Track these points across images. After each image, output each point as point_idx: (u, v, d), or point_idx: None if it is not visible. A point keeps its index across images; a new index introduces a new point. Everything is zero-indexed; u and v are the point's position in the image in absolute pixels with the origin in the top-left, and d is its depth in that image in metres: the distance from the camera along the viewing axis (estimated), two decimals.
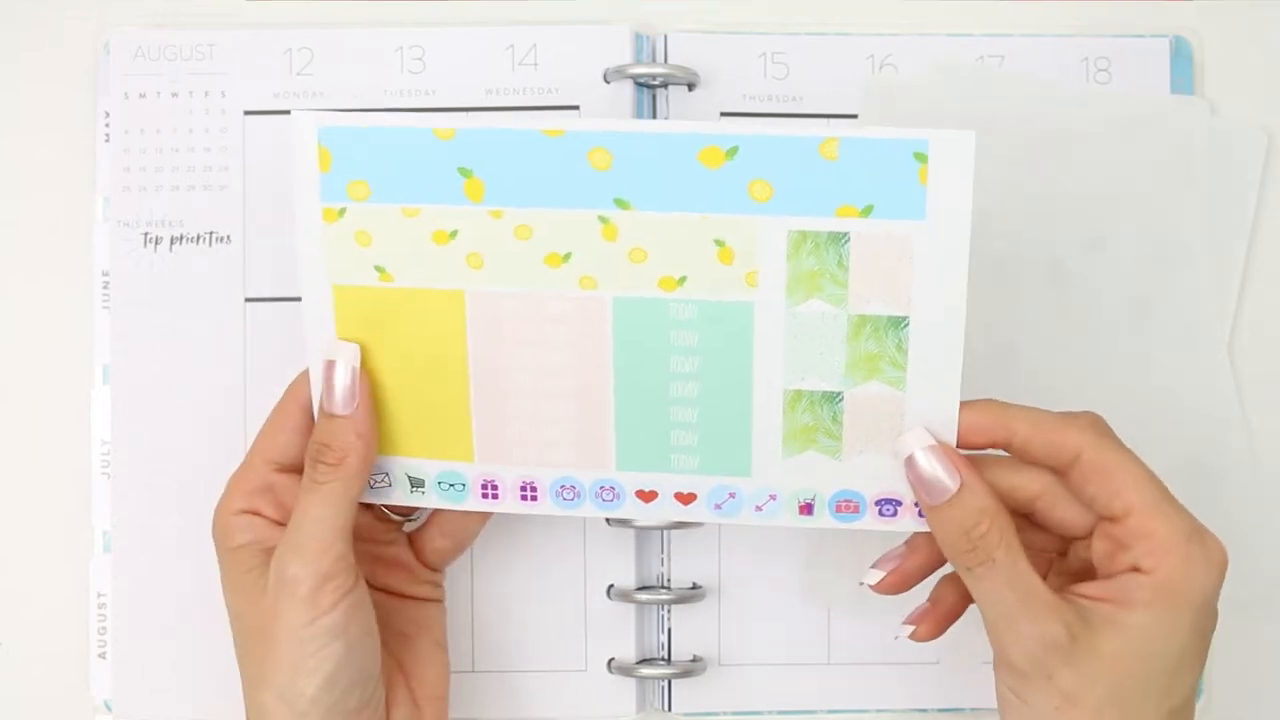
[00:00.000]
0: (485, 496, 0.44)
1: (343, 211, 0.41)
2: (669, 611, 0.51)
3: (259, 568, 0.42)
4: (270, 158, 0.51)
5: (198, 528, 0.47)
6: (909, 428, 0.41)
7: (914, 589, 0.44)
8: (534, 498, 0.44)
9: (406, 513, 0.47)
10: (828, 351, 0.41)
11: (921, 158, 0.39)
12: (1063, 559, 0.43)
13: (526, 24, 0.51)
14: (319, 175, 0.41)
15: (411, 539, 0.47)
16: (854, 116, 0.51)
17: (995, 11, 0.52)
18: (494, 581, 0.51)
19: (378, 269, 0.42)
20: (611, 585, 0.50)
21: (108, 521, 0.50)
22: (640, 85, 0.51)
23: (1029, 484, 0.41)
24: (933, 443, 0.41)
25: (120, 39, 0.51)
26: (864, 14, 0.52)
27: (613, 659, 0.51)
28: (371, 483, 0.44)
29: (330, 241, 0.42)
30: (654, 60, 0.51)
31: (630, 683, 0.51)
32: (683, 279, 0.41)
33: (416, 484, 0.44)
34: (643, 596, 0.50)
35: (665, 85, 0.51)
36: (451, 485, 0.44)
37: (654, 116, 0.51)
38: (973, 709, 0.51)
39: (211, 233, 0.51)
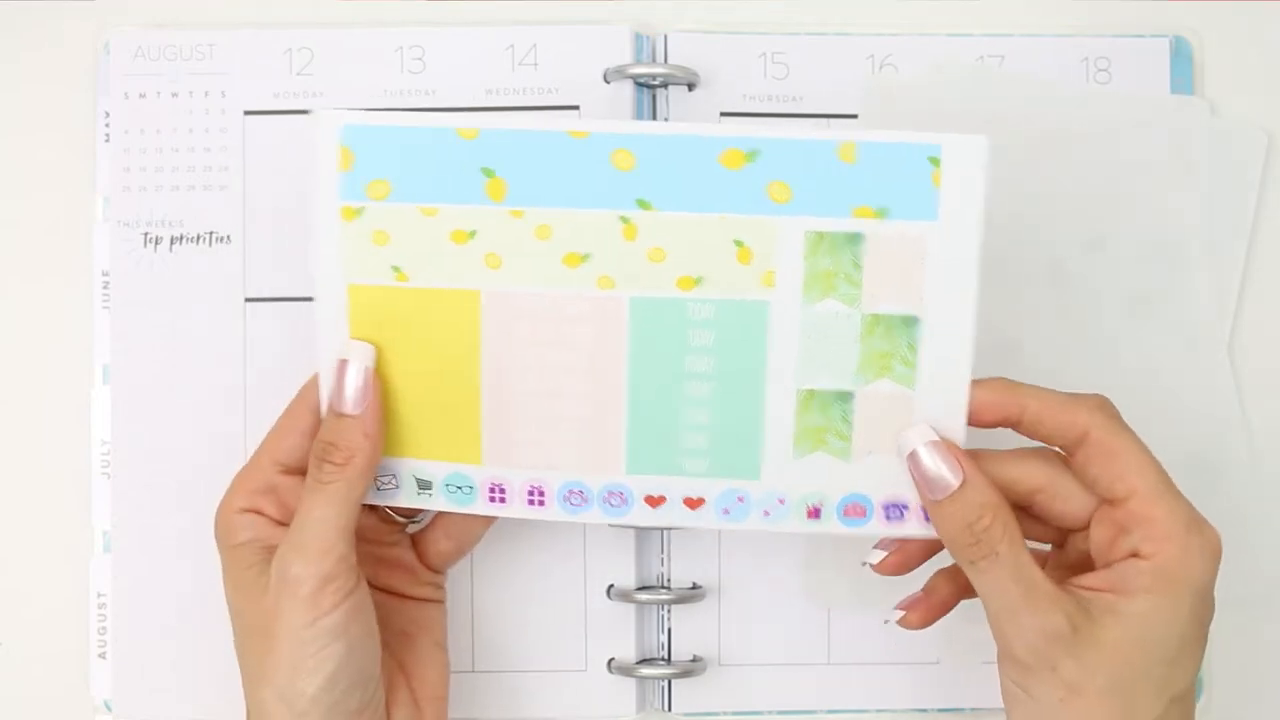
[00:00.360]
0: (493, 500, 0.44)
1: (361, 211, 0.42)
2: (669, 611, 0.51)
3: (260, 565, 0.42)
4: (270, 158, 0.51)
5: (198, 528, 0.47)
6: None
7: (914, 573, 0.44)
8: (541, 502, 0.44)
9: (410, 514, 0.47)
10: (841, 350, 0.42)
11: (935, 161, 0.40)
12: (1060, 551, 0.43)
13: (526, 24, 0.51)
14: (339, 174, 0.41)
15: (415, 541, 0.47)
16: (854, 116, 0.51)
17: (995, 11, 0.52)
18: (494, 582, 0.50)
19: (394, 269, 0.42)
20: (611, 585, 0.50)
21: (108, 521, 0.50)
22: (640, 85, 0.51)
23: (1030, 477, 0.41)
24: (935, 438, 0.41)
25: (120, 39, 0.51)
26: (864, 14, 0.52)
27: (613, 659, 0.51)
28: (378, 484, 0.44)
29: (347, 241, 0.42)
30: (654, 60, 0.51)
31: (630, 683, 0.51)
32: (700, 278, 0.41)
33: (424, 486, 0.44)
34: (643, 596, 0.50)
35: (665, 85, 0.51)
36: (459, 488, 0.44)
37: (654, 117, 0.51)
38: (973, 709, 0.51)
39: (211, 233, 0.51)
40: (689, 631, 0.51)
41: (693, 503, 0.44)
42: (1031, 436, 0.41)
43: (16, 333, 0.51)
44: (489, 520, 0.47)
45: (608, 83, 0.51)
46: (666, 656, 0.51)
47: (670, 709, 0.51)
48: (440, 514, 0.47)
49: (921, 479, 0.41)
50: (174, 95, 0.51)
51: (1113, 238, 0.51)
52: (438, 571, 0.47)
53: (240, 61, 0.51)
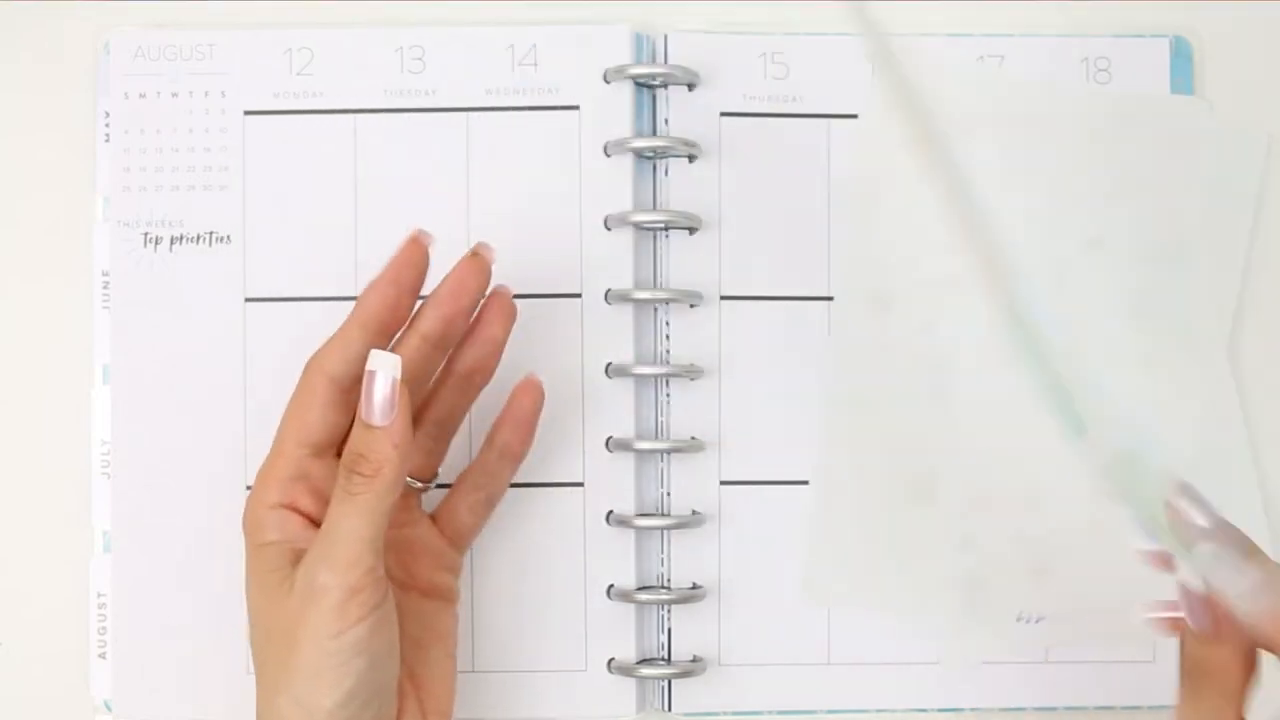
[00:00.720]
0: None
1: None
2: (669, 611, 0.51)
3: (285, 568, 0.41)
4: (270, 158, 0.51)
5: (198, 528, 0.47)
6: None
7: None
8: None
9: (427, 479, 0.47)
10: None
11: None
12: None
13: (526, 24, 0.51)
14: None
15: (435, 518, 0.47)
16: (854, 117, 0.51)
17: (995, 11, 0.52)
18: (494, 581, 0.50)
19: None
20: (611, 585, 0.50)
21: (108, 521, 0.50)
22: (640, 85, 0.51)
23: None
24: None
25: (120, 39, 0.51)
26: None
27: (613, 659, 0.51)
28: None
29: None
30: (654, 60, 0.51)
31: (630, 683, 0.51)
32: None
33: None
34: (643, 596, 0.50)
35: (665, 85, 0.51)
36: None
37: (654, 117, 0.51)
38: (973, 709, 0.51)
39: (211, 233, 0.51)
40: (689, 631, 0.51)
41: None
42: None
43: (16, 333, 0.51)
44: (514, 465, 0.47)
45: (608, 83, 0.51)
46: (666, 656, 0.51)
47: (670, 709, 0.51)
48: (459, 485, 0.47)
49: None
50: (174, 95, 0.51)
51: (1113, 238, 0.51)
52: (460, 549, 0.47)
53: (240, 61, 0.51)
